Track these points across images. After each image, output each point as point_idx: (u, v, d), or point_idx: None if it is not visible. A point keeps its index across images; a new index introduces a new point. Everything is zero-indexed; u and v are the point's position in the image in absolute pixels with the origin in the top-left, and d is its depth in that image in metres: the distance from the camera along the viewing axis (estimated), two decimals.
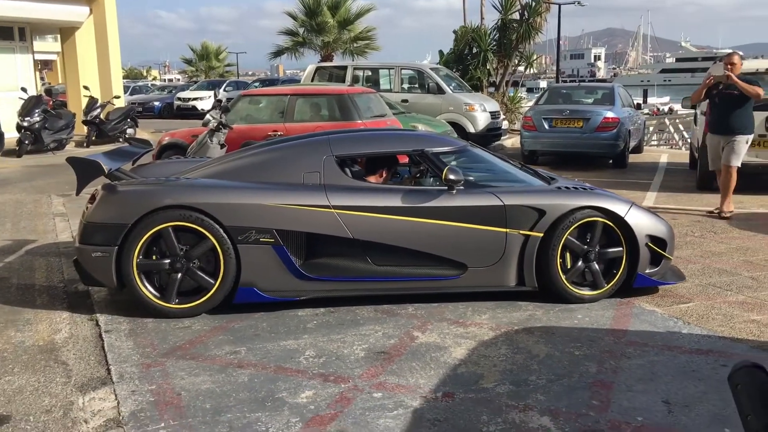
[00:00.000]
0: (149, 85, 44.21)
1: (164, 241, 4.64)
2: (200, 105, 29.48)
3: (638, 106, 16.32)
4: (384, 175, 5.65)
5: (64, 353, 4.22)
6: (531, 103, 16.93)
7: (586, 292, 5.00)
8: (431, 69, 15.12)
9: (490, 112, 14.50)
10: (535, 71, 36.97)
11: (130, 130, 17.91)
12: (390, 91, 14.56)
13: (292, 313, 4.79)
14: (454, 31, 20.03)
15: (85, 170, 4.91)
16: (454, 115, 13.97)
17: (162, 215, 4.60)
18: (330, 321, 4.68)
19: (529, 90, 34.21)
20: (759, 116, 8.66)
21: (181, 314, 4.70)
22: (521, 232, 4.91)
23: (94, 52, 19.21)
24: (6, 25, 18.00)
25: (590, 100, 13.88)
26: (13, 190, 10.58)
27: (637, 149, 14.41)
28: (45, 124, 15.75)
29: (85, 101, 17.67)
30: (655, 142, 21.27)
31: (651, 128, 21.21)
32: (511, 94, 19.94)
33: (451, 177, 4.85)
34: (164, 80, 72.06)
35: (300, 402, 3.50)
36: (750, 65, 10.09)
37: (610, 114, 12.29)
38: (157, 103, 31.48)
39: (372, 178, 5.54)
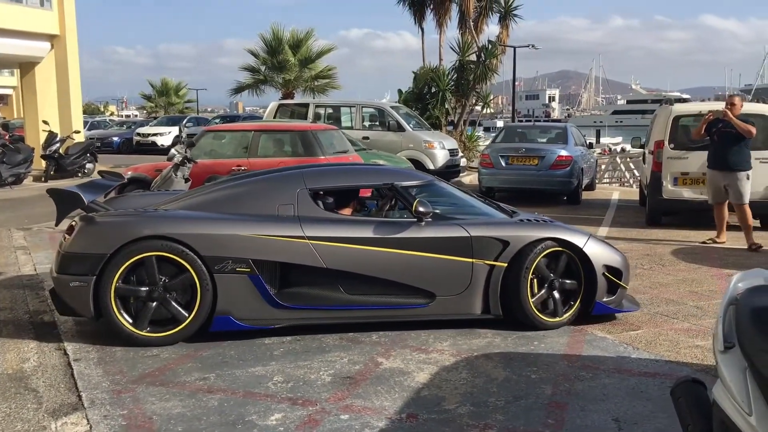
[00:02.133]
0: (107, 120, 43.91)
1: (145, 270, 4.73)
2: (160, 141, 29.45)
3: (590, 146, 16.93)
4: (353, 207, 5.89)
5: (34, 381, 4.26)
6: (488, 142, 17.41)
7: (548, 318, 5.22)
8: (391, 107, 15.51)
9: (448, 150, 14.89)
10: (492, 111, 37.86)
11: (89, 165, 17.84)
12: (351, 128, 14.87)
13: (260, 341, 4.91)
14: (414, 72, 20.58)
15: (64, 202, 5.03)
16: (413, 152, 14.32)
17: (141, 245, 4.70)
18: (296, 348, 4.82)
19: (486, 129, 35.03)
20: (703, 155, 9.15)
21: (155, 343, 4.78)
22: (486, 262, 5.14)
23: (54, 86, 19.15)
24: None
25: (545, 139, 14.38)
26: None
27: (590, 186, 14.93)
28: (3, 158, 15.64)
29: (44, 136, 17.56)
30: (607, 180, 21.98)
31: (603, 167, 21.92)
32: (469, 133, 20.47)
33: (421, 209, 5.10)
34: (122, 116, 71.56)
35: (270, 424, 3.63)
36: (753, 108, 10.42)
37: (563, 152, 12.76)
38: (116, 139, 31.30)
39: (344, 211, 5.74)
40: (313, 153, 9.97)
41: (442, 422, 3.66)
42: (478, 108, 21.34)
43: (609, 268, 5.31)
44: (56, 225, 5.37)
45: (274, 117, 15.78)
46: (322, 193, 5.61)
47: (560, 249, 5.21)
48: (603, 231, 9.76)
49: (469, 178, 17.11)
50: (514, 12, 23.53)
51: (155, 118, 39.80)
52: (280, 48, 27.95)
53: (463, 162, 16.23)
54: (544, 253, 5.15)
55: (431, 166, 14.36)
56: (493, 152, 13.32)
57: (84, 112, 25.62)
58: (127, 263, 4.70)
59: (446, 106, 19.42)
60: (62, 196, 5.03)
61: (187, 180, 9.09)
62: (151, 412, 3.76)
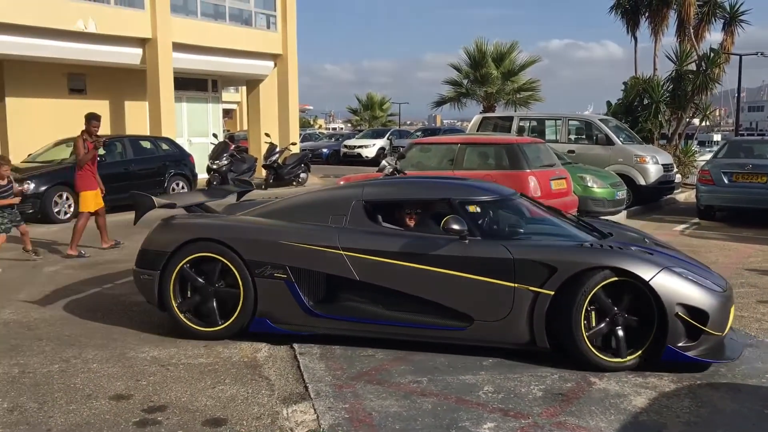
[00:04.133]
0: (318, 133, 46.87)
1: (201, 268, 5.24)
2: (365, 152, 30.85)
3: None
4: (415, 221, 5.46)
5: (266, 370, 4.69)
6: (706, 157, 16.19)
7: (608, 358, 4.60)
8: (600, 120, 14.97)
9: (662, 165, 14.07)
10: (709, 123, 35.09)
11: (303, 175, 19.14)
12: (556, 141, 14.56)
13: (468, 351, 4.98)
14: (624, 82, 19.69)
15: (140, 204, 5.69)
16: (623, 167, 13.70)
17: (193, 246, 5.22)
18: (504, 361, 4.82)
19: (701, 143, 32.52)
20: None
21: (205, 336, 5.23)
22: (531, 288, 4.67)
23: (275, 101, 20.83)
24: (201, 77, 20.04)
25: None
26: None
27: None
28: (231, 167, 17.25)
29: (265, 147, 19.14)
30: None
31: None
32: (685, 147, 19.17)
33: (453, 227, 4.77)
34: (329, 129, 75.87)
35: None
36: None
37: None
38: (325, 150, 33.31)
39: (407, 225, 5.42)
40: (519, 166, 9.92)
41: None
42: (696, 121, 19.95)
43: (689, 309, 4.51)
44: (134, 224, 6.00)
45: (478, 130, 15.90)
46: (380, 206, 5.42)
47: (622, 280, 4.55)
48: None
49: (684, 195, 16.03)
50: (740, 17, 21.73)
51: (360, 131, 41.77)
52: (483, 61, 28.12)
53: (677, 178, 15.25)
54: (603, 283, 4.54)
55: (642, 182, 13.66)
56: (715, 168, 12.38)
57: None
58: (184, 261, 5.22)
59: (660, 119, 18.36)
60: (139, 198, 5.71)
61: None
62: (371, 408, 3.98)
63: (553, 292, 4.60)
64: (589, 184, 11.77)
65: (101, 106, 17.69)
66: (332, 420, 3.82)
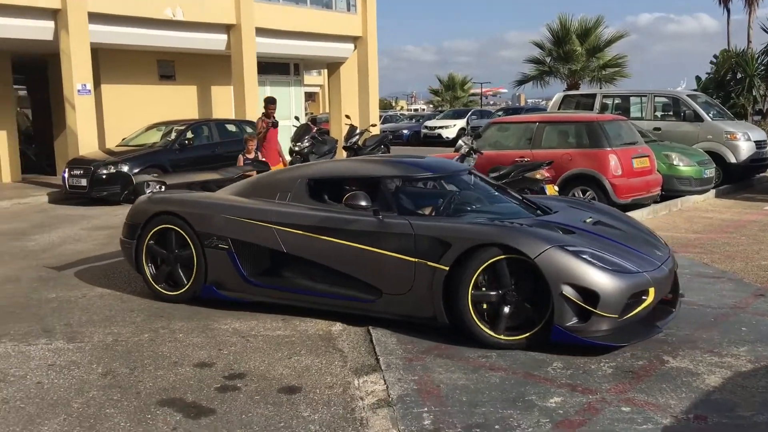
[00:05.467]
0: (398, 114, 46.99)
1: (163, 238, 5.89)
2: (445, 133, 30.74)
3: None
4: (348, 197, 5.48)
5: (340, 342, 4.86)
6: None
7: (496, 335, 4.55)
8: (688, 95, 14.40)
9: (755, 142, 13.44)
10: None
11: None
12: (641, 119, 14.12)
13: None
14: (715, 56, 18.85)
15: (124, 182, 6.59)
16: (712, 144, 13.16)
17: (158, 219, 5.88)
18: None
19: None
20: None
21: (167, 299, 5.88)
22: (429, 263, 4.72)
23: (356, 84, 21.04)
24: (283, 61, 20.45)
25: None
26: None
27: None
28: (312, 149, 17.58)
29: (345, 129, 19.40)
30: None
31: None
32: None
33: (359, 202, 5.04)
34: (410, 110, 75.84)
35: (549, 406, 3.72)
36: None
37: None
38: (405, 131, 33.38)
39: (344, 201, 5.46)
40: (599, 144, 9.72)
41: (736, 427, 3.44)
42: None
43: (578, 289, 4.34)
44: (121, 201, 6.89)
45: (559, 108, 15.60)
46: (321, 184, 5.69)
47: (514, 257, 4.46)
48: None
49: None
50: None
51: (441, 111, 41.61)
52: (567, 38, 27.40)
53: None
54: (492, 260, 4.49)
55: (733, 159, 13.08)
56: None
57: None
58: (152, 232, 5.91)
59: (754, 94, 17.49)
60: (118, 177, 6.55)
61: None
62: (439, 381, 4.08)
63: (447, 268, 4.64)
64: (675, 162, 11.38)
65: (189, 92, 18.40)
66: (401, 391, 3.94)
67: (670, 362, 4.35)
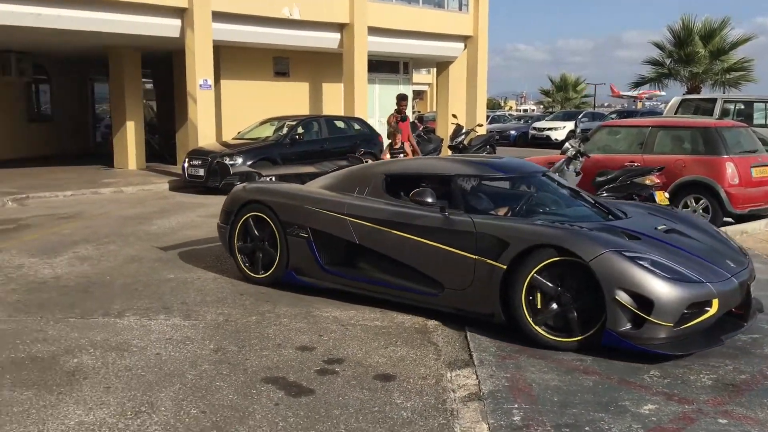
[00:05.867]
0: (506, 114, 46.47)
1: (252, 225, 6.34)
2: (554, 135, 30.15)
3: None
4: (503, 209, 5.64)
5: (435, 337, 4.99)
6: None
7: (550, 335, 4.60)
8: None
9: None
10: None
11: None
12: (765, 126, 13.42)
13: None
14: None
15: (222, 170, 7.44)
16: None
17: (249, 207, 6.34)
18: None
19: None
20: None
21: (253, 280, 6.31)
22: (488, 261, 4.81)
23: (464, 83, 21.06)
24: (393, 60, 20.75)
25: None
26: None
27: None
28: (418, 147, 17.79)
29: (451, 128, 19.48)
30: None
31: None
32: None
33: (424, 199, 5.20)
34: (520, 110, 74.75)
35: (642, 412, 3.70)
36: None
37: None
38: (513, 132, 33.00)
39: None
40: (716, 151, 9.34)
41: None
42: None
43: (632, 295, 4.29)
44: (219, 186, 7.42)
45: (676, 112, 15.05)
46: (398, 180, 5.89)
47: (565, 259, 4.49)
48: None
49: None
50: None
51: (551, 113, 40.82)
52: (689, 39, 26.27)
53: None
54: (546, 261, 4.54)
55: None
56: None
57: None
58: (243, 218, 6.34)
59: None
60: (220, 166, 7.15)
61: (578, 174, 9.34)
62: (531, 380, 4.13)
63: (505, 267, 4.72)
64: None
65: (302, 88, 19.02)
66: (492, 386, 4.03)
67: None
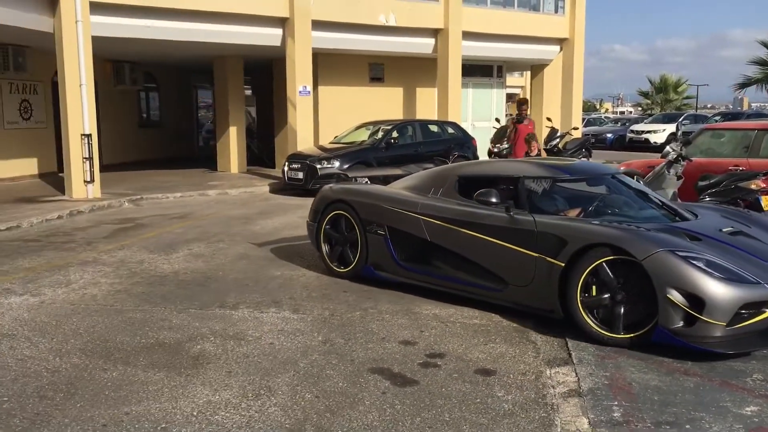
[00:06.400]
0: (603, 117, 45.44)
1: (336, 223, 6.85)
2: (653, 138, 29.33)
3: None
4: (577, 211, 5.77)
5: (533, 335, 5.13)
6: None
7: (604, 331, 4.77)
8: None
9: None
10: None
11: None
12: None
13: None
14: None
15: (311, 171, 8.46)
16: None
17: (334, 205, 6.80)
18: None
19: None
20: None
21: (337, 275, 6.77)
22: (547, 258, 5.01)
23: (559, 85, 20.86)
24: (487, 63, 20.79)
25: None
26: None
27: None
28: (511, 151, 17.76)
29: (546, 131, 19.32)
30: None
31: None
32: None
33: (489, 199, 5.45)
34: (616, 113, 72.72)
35: (744, 413, 3.73)
36: None
37: None
38: (609, 135, 32.30)
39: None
40: None
41: None
42: None
43: (684, 294, 4.40)
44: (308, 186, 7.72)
45: None
46: (471, 181, 6.12)
47: (618, 258, 4.64)
48: None
49: None
50: None
51: (650, 115, 39.62)
52: None
53: None
54: (601, 260, 4.73)
55: None
56: None
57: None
58: (329, 215, 6.81)
59: None
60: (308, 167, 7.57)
61: (679, 178, 9.16)
62: (631, 379, 4.21)
63: (563, 264, 4.92)
64: None
65: (396, 93, 19.37)
66: (592, 384, 4.13)
67: None
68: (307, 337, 5.10)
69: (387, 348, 4.85)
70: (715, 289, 4.40)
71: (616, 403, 3.86)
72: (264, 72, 19.88)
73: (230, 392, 4.12)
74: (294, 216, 11.18)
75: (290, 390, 4.14)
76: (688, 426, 3.59)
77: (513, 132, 12.14)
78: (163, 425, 3.70)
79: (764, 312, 4.50)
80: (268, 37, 15.55)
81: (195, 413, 3.84)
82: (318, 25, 15.73)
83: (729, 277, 4.49)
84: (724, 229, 5.31)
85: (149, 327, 5.35)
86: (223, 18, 14.67)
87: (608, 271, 4.75)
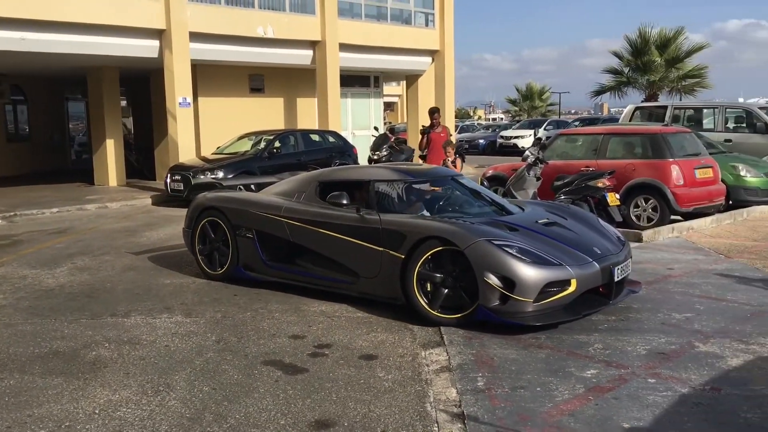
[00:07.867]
0: (475, 124, 47.54)
1: (210, 228, 7.32)
2: (521, 143, 31.20)
3: None
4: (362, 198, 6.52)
5: (411, 325, 5.66)
6: None
7: (436, 312, 5.47)
8: (760, 108, 14.55)
9: None
10: None
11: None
12: (713, 130, 14.39)
13: (587, 318, 5.67)
14: None
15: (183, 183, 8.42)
16: None
17: (207, 212, 7.30)
18: (619, 326, 5.47)
19: None
20: None
21: (215, 278, 7.20)
22: (390, 252, 5.73)
23: (433, 94, 21.87)
24: (364, 74, 21.49)
25: None
26: None
27: None
28: (390, 158, 18.50)
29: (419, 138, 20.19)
30: None
31: None
32: None
33: (338, 200, 6.14)
34: (489, 119, 75.98)
35: (585, 376, 4.43)
36: None
37: None
38: (481, 141, 34.02)
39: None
40: (661, 155, 10.19)
41: (745, 398, 4.05)
42: None
43: (500, 276, 5.15)
44: (187, 197, 8.00)
45: (630, 120, 15.98)
46: (329, 186, 6.70)
47: (447, 248, 5.37)
48: None
49: None
50: None
51: (518, 121, 41.94)
52: (646, 48, 27.47)
53: None
54: (433, 250, 5.44)
55: None
56: None
57: (455, 117, 28.56)
58: (201, 223, 7.29)
59: None
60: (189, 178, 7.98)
61: (538, 179, 10.11)
62: (493, 354, 4.83)
63: (403, 256, 5.62)
64: (742, 173, 11.67)
65: (277, 103, 19.65)
66: (461, 360, 4.72)
67: (700, 347, 4.95)
68: (201, 338, 5.40)
69: (278, 342, 5.25)
70: (524, 271, 5.15)
71: (480, 374, 4.46)
72: (141, 83, 19.60)
73: (130, 391, 4.38)
74: (180, 226, 11.21)
75: (188, 385, 4.45)
76: (539, 389, 4.23)
77: (425, 140, 12.50)
78: (67, 423, 3.92)
79: (567, 289, 5.30)
80: (145, 48, 15.44)
81: (97, 411, 4.08)
82: (196, 36, 15.80)
83: (535, 260, 5.26)
84: (540, 221, 6.11)
85: (41, 338, 5.46)
86: (99, 30, 14.46)
87: (439, 260, 5.46)
